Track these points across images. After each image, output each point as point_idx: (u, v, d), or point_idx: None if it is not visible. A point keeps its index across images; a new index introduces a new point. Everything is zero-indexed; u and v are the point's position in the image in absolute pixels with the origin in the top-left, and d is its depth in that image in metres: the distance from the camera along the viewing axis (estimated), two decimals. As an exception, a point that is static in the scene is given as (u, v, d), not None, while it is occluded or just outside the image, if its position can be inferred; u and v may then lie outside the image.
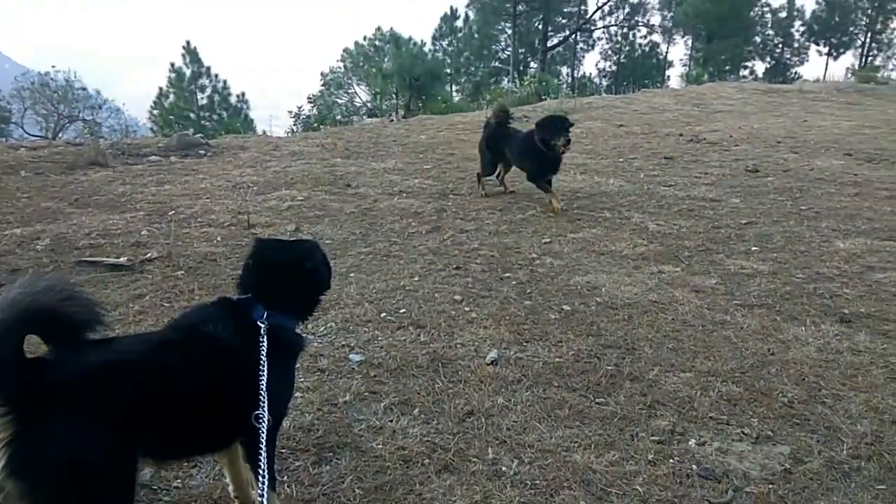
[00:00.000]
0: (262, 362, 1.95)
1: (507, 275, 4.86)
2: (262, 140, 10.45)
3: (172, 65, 39.61)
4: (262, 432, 1.86)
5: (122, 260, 4.73)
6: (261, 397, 1.89)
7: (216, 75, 39.38)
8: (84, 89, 37.33)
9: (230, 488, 2.30)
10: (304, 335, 2.30)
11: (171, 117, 38.24)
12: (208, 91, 39.93)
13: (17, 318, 1.58)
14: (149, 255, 4.91)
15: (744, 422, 3.08)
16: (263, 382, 1.91)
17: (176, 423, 1.86)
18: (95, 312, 1.83)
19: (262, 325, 2.04)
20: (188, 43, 40.06)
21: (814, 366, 3.61)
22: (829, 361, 3.66)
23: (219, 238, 5.39)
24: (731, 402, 3.24)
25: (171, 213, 6.08)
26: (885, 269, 5.07)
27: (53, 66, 35.29)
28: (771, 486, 2.63)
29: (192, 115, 39.50)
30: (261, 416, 1.88)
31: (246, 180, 7.40)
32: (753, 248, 5.55)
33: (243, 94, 40.02)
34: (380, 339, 3.74)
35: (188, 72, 39.71)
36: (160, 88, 39.64)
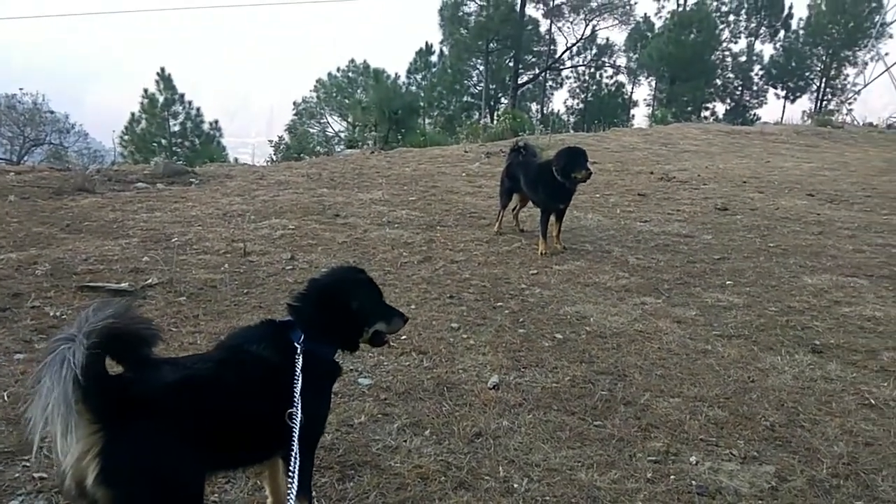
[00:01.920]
0: (296, 376, 2.13)
1: (500, 304, 5.07)
2: (247, 169, 10.59)
3: (146, 91, 39.54)
4: (295, 432, 2.02)
5: (124, 285, 4.81)
6: (294, 401, 2.06)
7: (189, 102, 39.37)
8: (52, 112, 36.99)
9: (269, 501, 2.43)
10: (339, 363, 2.45)
11: (144, 143, 38.01)
12: (181, 118, 39.87)
13: (100, 340, 1.72)
14: (149, 280, 4.99)
15: (731, 443, 3.30)
16: (297, 390, 2.09)
17: (232, 435, 2.01)
18: (158, 332, 1.99)
19: (299, 346, 2.22)
20: (162, 70, 40.05)
21: (791, 392, 3.87)
22: (804, 388, 3.93)
23: (217, 265, 5.50)
24: (718, 426, 3.47)
25: (174, 239, 6.16)
26: (850, 303, 5.42)
27: (21, 89, 34.80)
28: (760, 502, 2.84)
29: (163, 141, 39.33)
30: (294, 414, 2.04)
31: (236, 208, 7.52)
32: (728, 282, 5.86)
33: (216, 122, 40.06)
34: (385, 364, 3.90)
35: (161, 98, 39.62)
36: (132, 114, 39.45)
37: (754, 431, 3.42)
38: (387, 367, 3.85)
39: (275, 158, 16.72)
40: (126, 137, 39.08)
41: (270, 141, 18.25)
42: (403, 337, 4.31)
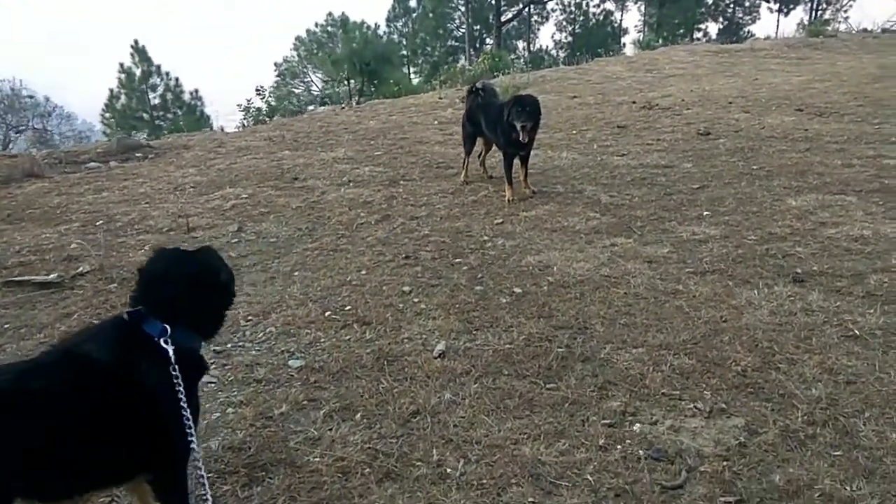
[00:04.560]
0: (176, 385, 1.83)
1: (458, 260, 4.73)
2: (206, 137, 10.13)
3: (122, 65, 38.56)
4: (199, 467, 1.74)
5: (52, 277, 4.48)
6: (186, 425, 1.77)
7: (167, 73, 38.53)
8: (32, 97, 36.13)
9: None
10: (205, 357, 2.12)
11: (126, 119, 37.31)
12: (160, 90, 39.04)
13: None
14: (80, 269, 4.67)
15: (696, 395, 3.00)
16: (184, 407, 1.79)
17: (53, 455, 1.69)
18: None
19: (167, 346, 1.88)
20: (136, 42, 39.00)
21: (767, 330, 3.54)
22: (782, 325, 3.60)
23: (157, 245, 5.16)
24: (683, 376, 3.16)
25: (114, 220, 5.81)
26: (836, 224, 5.04)
27: (-3, 77, 33.87)
28: (725, 462, 2.54)
29: (145, 115, 38.57)
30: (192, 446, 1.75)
31: (188, 181, 7.13)
32: (706, 213, 5.48)
33: (197, 91, 39.25)
34: (322, 340, 3.58)
35: (138, 71, 38.71)
36: (111, 90, 38.58)
37: (723, 379, 3.11)
38: (323, 344, 3.53)
39: (246, 123, 16.15)
40: (107, 115, 38.35)
41: (238, 105, 17.54)
42: (347, 307, 3.99)
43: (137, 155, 8.72)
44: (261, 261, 4.81)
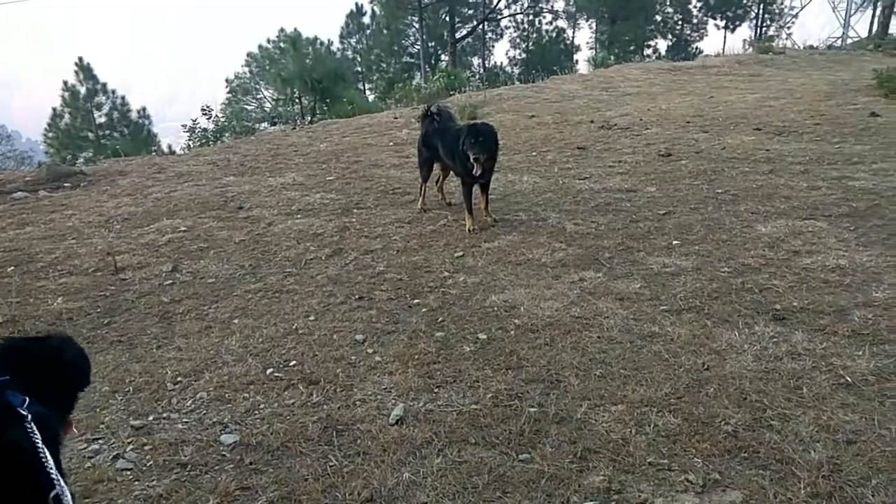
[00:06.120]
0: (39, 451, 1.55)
1: (417, 301, 4.34)
2: (145, 162, 9.52)
3: (66, 83, 37.14)
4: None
5: (-47, 332, 3.93)
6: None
7: (113, 91, 37.23)
8: (-30, 116, 34.65)
9: None
10: None
11: (71, 139, 35.96)
12: (106, 108, 37.69)
13: None
14: (-11, 321, 4.12)
15: (686, 464, 2.66)
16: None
17: None
18: None
19: (26, 413, 1.60)
20: (81, 59, 37.62)
21: (754, 379, 3.25)
22: (769, 372, 3.31)
23: (80, 289, 4.64)
24: (669, 439, 2.83)
25: (35, 260, 5.25)
26: (810, 252, 4.84)
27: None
28: (726, 551, 2.21)
29: (90, 135, 37.18)
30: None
31: (121, 212, 6.58)
32: (675, 242, 5.23)
33: (144, 110, 38.07)
34: (262, 406, 3.14)
35: (83, 90, 37.32)
36: (53, 109, 37.05)
37: (714, 442, 2.79)
38: (263, 412, 3.08)
39: (191, 145, 15.44)
40: (51, 135, 36.84)
41: (183, 126, 16.75)
42: (292, 363, 3.56)
43: (66, 184, 8.09)
44: (196, 306, 4.34)
